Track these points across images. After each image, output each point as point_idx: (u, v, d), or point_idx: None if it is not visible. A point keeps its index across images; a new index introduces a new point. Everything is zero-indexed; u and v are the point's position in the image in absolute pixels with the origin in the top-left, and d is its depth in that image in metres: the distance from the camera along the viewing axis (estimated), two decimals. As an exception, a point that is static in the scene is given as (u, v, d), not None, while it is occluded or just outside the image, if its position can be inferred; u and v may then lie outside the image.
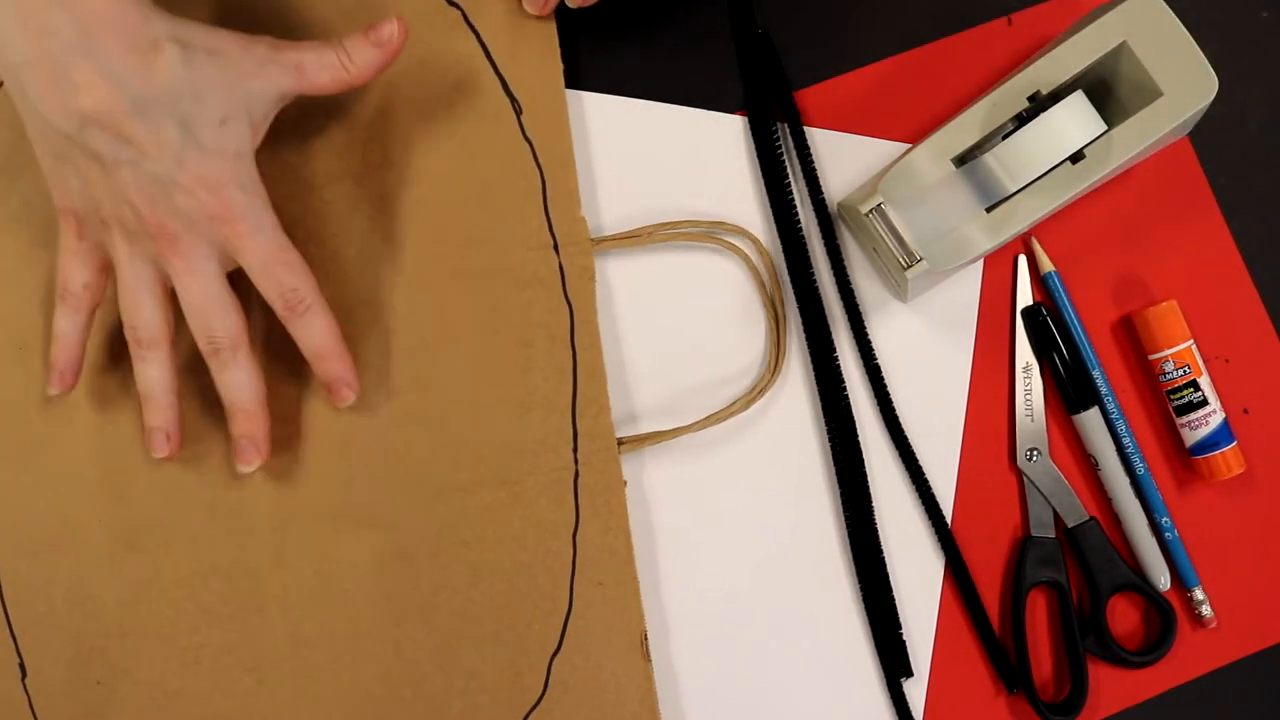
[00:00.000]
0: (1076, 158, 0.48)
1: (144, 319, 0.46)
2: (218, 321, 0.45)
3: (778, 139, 0.54)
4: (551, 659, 0.49)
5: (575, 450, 0.50)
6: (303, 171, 0.51)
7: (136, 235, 0.44)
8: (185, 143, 0.43)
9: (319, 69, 0.46)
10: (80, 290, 0.47)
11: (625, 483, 0.50)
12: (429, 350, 0.51)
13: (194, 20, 0.44)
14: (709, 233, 0.53)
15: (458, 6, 0.52)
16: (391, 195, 0.51)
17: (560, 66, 0.52)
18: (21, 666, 0.49)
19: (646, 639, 0.49)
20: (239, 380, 0.46)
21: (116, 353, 0.50)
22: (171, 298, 0.46)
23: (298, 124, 0.50)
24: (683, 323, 0.53)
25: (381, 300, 0.51)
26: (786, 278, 0.54)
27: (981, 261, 0.54)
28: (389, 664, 0.49)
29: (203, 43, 0.44)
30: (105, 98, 0.41)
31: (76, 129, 0.42)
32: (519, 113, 0.52)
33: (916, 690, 0.52)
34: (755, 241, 0.53)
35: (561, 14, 0.52)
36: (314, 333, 0.47)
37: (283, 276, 0.46)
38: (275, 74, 0.45)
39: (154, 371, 0.47)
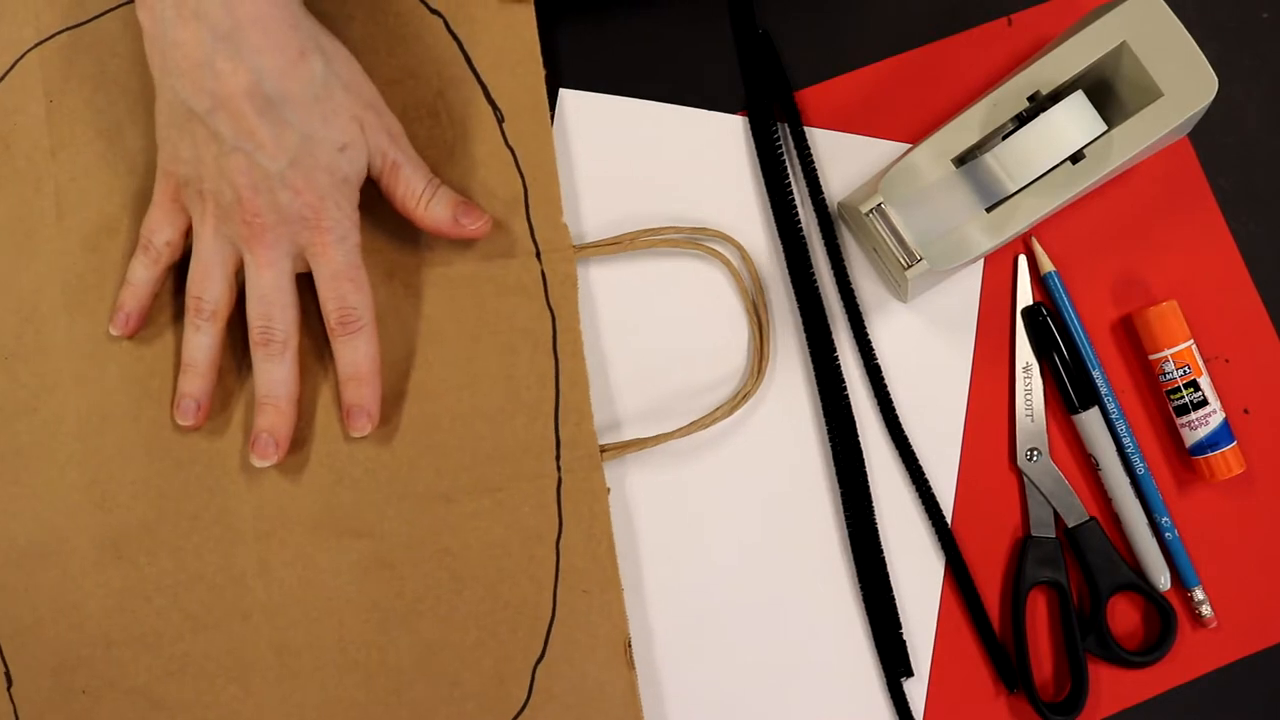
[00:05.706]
0: (1076, 158, 0.48)
1: (211, 291, 0.47)
2: (278, 314, 0.47)
3: (778, 139, 0.54)
4: (535, 666, 0.49)
5: (558, 458, 0.50)
6: None
7: (229, 215, 0.46)
8: (302, 151, 0.44)
9: (402, 182, 0.48)
10: (162, 245, 0.49)
11: (609, 490, 0.50)
12: (412, 357, 0.51)
13: (338, 40, 0.46)
14: (691, 239, 0.53)
15: (439, 14, 0.52)
16: (373, 202, 0.50)
17: (542, 74, 0.52)
18: (7, 675, 0.49)
19: (630, 647, 0.49)
20: (281, 375, 0.48)
21: (101, 359, 0.50)
22: (238, 280, 0.48)
23: None
24: (667, 329, 0.53)
25: None
26: (787, 278, 0.54)
27: (981, 261, 0.54)
28: (373, 672, 0.49)
29: (344, 71, 0.46)
30: (242, 89, 0.43)
31: (206, 110, 0.43)
32: (501, 120, 0.52)
33: (916, 690, 0.52)
34: (739, 248, 0.53)
35: (562, 13, 0.52)
36: (358, 355, 0.48)
37: (347, 292, 0.47)
38: (379, 148, 0.47)
39: (205, 340, 0.48)
